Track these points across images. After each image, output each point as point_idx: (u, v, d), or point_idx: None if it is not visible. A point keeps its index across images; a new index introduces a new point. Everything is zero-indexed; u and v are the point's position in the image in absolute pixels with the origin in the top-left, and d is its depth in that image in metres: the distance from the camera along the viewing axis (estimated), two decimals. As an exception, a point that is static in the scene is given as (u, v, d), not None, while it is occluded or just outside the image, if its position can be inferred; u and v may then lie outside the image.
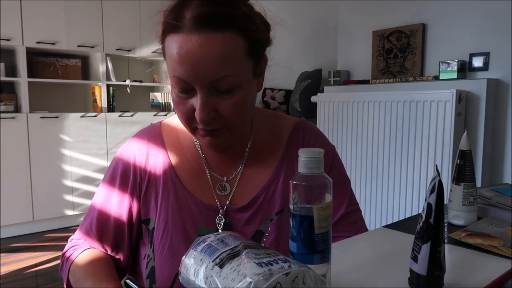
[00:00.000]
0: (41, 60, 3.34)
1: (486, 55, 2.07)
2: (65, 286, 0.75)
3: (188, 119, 0.66)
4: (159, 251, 0.71)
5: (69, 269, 0.74)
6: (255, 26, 0.65)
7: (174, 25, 0.61)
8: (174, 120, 0.81)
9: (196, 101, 0.63)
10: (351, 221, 0.77)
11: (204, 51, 0.59)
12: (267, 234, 0.73)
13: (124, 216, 0.75)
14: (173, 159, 0.76)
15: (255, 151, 0.78)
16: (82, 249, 0.75)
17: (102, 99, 3.51)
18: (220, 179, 0.76)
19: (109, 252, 0.77)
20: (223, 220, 0.73)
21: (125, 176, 0.76)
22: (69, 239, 0.81)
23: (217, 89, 0.62)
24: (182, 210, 0.72)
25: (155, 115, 3.74)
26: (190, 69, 0.60)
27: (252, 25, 0.64)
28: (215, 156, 0.77)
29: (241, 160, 0.77)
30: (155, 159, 0.76)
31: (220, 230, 0.72)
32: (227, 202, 0.74)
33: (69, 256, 0.76)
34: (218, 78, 0.61)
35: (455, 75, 2.10)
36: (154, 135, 0.78)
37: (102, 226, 0.76)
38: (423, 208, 0.49)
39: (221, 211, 0.73)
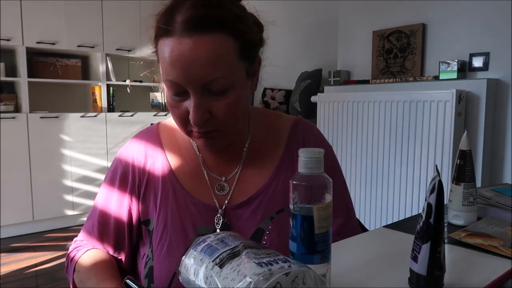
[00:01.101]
0: (41, 60, 3.34)
1: (486, 55, 2.07)
2: (71, 287, 0.76)
3: (183, 122, 0.67)
4: (158, 250, 0.71)
5: (74, 269, 0.75)
6: (247, 27, 0.65)
7: (165, 29, 0.61)
8: (172, 121, 0.81)
9: (190, 104, 0.63)
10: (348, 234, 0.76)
11: (195, 53, 0.59)
12: (267, 232, 0.72)
13: (124, 217, 0.76)
14: (171, 160, 0.77)
15: (253, 150, 0.78)
16: (85, 250, 0.76)
17: (102, 99, 3.51)
18: (218, 179, 0.76)
19: (111, 253, 0.77)
20: (221, 220, 0.73)
21: (124, 177, 0.76)
22: (73, 240, 0.82)
23: (210, 91, 0.63)
24: (181, 210, 0.73)
25: (155, 115, 3.74)
26: (182, 72, 0.61)
27: (244, 26, 0.64)
28: (212, 157, 0.77)
29: (239, 160, 0.77)
30: (153, 160, 0.76)
31: (218, 230, 0.72)
32: (226, 202, 0.74)
33: (73, 257, 0.77)
34: (211, 80, 0.61)
35: (455, 75, 2.10)
36: (152, 136, 0.79)
37: (103, 227, 0.77)
38: (423, 208, 0.49)
39: (219, 210, 0.73)
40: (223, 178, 0.76)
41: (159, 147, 0.78)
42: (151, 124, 0.84)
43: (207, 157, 0.77)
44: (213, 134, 0.67)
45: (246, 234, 0.72)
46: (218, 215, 0.73)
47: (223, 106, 0.64)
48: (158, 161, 0.76)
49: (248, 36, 0.65)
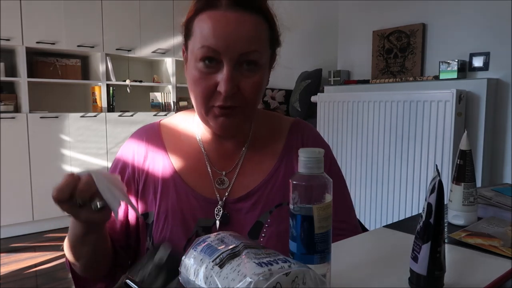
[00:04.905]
0: (41, 60, 3.34)
1: (486, 55, 2.07)
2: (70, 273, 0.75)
3: (207, 96, 0.69)
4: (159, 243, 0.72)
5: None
6: (276, 22, 0.73)
7: (211, 2, 0.66)
8: (173, 119, 0.84)
9: (220, 76, 0.67)
10: (350, 226, 0.79)
11: (238, 26, 0.66)
12: (266, 225, 0.74)
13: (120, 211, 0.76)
14: (173, 155, 0.79)
15: (254, 146, 0.80)
16: None
17: (102, 99, 3.51)
18: (219, 173, 0.78)
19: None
20: (221, 212, 0.74)
21: (122, 171, 0.78)
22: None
23: (242, 65, 0.67)
24: (181, 203, 0.74)
25: (155, 115, 3.74)
26: (223, 39, 0.65)
27: (275, 20, 0.72)
28: (215, 151, 0.79)
29: (239, 155, 0.79)
30: (153, 156, 0.78)
31: (218, 222, 0.74)
32: (226, 194, 0.76)
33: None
34: (249, 51, 0.66)
35: (455, 75, 2.10)
36: (153, 133, 0.81)
37: None
38: (423, 208, 0.49)
39: (219, 202, 0.75)
40: (223, 173, 0.78)
41: (160, 143, 0.79)
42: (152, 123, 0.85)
43: (210, 151, 0.79)
44: (234, 112, 0.70)
45: (246, 227, 0.74)
46: (218, 206, 0.75)
47: (251, 84, 0.69)
48: (158, 156, 0.78)
49: (276, 30, 0.73)
